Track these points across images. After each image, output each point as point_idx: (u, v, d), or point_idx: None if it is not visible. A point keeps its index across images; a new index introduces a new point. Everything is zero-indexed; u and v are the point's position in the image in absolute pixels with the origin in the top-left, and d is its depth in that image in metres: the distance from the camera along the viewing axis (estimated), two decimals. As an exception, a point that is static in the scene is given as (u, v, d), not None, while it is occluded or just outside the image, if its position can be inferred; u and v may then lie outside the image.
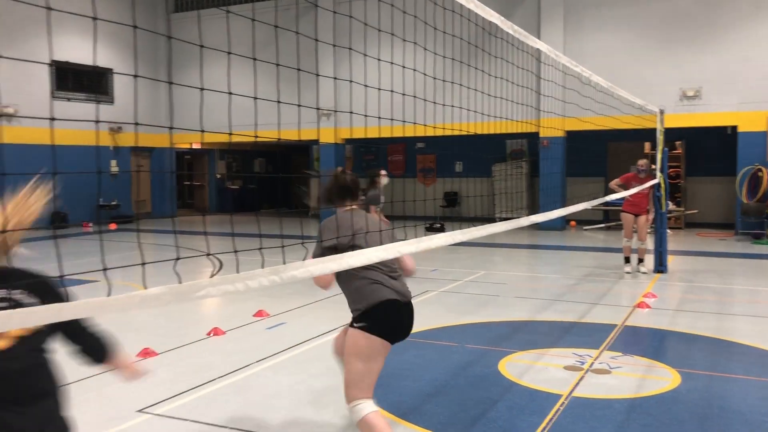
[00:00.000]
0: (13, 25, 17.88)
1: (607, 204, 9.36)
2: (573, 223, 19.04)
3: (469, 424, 4.45)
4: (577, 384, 5.22)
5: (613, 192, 10.04)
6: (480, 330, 7.07)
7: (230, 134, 2.21)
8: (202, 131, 2.30)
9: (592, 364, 5.76)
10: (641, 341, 6.78)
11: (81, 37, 19.61)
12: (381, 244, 3.15)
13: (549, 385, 5.18)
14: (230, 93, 2.23)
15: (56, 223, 18.68)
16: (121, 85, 21.29)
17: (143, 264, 1.94)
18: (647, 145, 17.87)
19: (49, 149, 17.34)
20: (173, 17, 23.33)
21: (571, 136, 17.92)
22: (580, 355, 6.02)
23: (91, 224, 19.61)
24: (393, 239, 3.64)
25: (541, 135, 17.81)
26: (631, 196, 9.97)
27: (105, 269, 1.78)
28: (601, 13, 17.53)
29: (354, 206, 3.81)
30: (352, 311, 3.64)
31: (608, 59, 16.86)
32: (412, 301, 3.82)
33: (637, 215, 10.52)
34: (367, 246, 3.14)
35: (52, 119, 1.85)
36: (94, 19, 1.67)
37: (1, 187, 2.09)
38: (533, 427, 4.36)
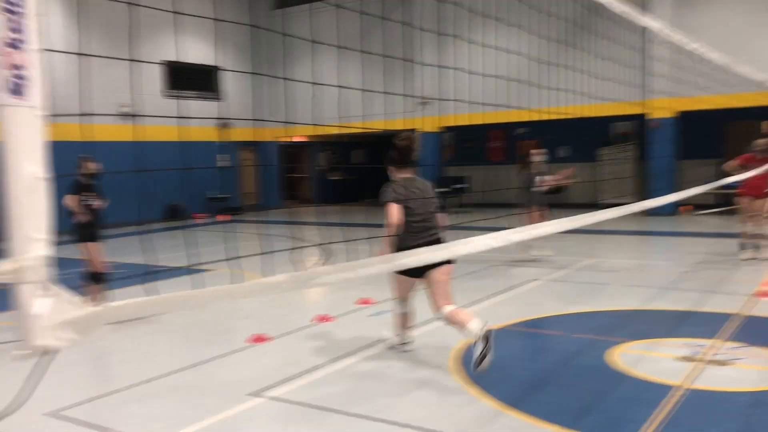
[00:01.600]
0: (127, 28, 18.90)
1: (722, 187, 8.85)
2: (689, 207, 18.13)
3: (578, 414, 4.36)
4: (693, 375, 5.00)
5: (730, 174, 9.50)
6: (588, 319, 6.90)
7: (338, 126, 2.26)
8: (310, 124, 2.35)
9: (710, 354, 5.49)
10: (763, 331, 6.39)
11: (191, 38, 20.53)
12: (426, 208, 5.31)
13: (663, 376, 4.98)
14: (339, 86, 2.28)
15: (170, 215, 19.74)
16: (228, 83, 22.14)
17: (262, 254, 2.02)
18: (765, 124, 16.76)
19: (160, 146, 18.29)
20: (275, 14, 23.97)
21: (683, 116, 17.05)
22: (696, 346, 5.75)
23: (201, 216, 20.57)
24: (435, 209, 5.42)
25: (649, 116, 17.07)
26: (749, 178, 9.40)
27: (228, 259, 1.86)
28: (714, -15, 16.54)
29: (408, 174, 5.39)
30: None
31: (722, 33, 15.87)
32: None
33: (756, 198, 9.91)
34: (417, 209, 5.25)
35: (177, 117, 1.96)
36: (215, 20, 1.74)
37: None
38: (648, 419, 4.21)
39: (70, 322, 1.35)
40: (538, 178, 10.15)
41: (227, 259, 2.10)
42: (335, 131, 21.92)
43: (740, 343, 5.78)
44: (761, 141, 9.90)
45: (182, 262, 9.62)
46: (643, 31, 5.97)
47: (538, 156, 10.40)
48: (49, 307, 1.33)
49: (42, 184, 1.33)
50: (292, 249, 2.74)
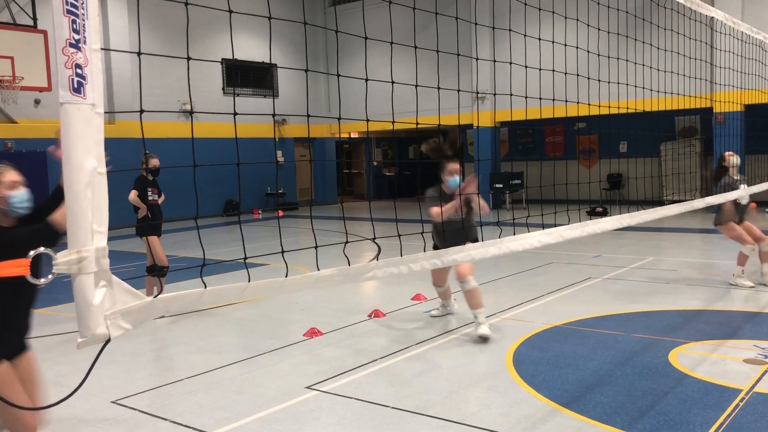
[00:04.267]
0: (185, 26, 19.39)
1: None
2: (753, 204, 17.48)
3: (636, 415, 4.26)
4: (760, 378, 4.81)
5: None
6: (648, 319, 6.72)
7: (393, 122, 2.26)
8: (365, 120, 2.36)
9: (777, 357, 5.28)
10: (836, 335, 6.11)
11: (248, 36, 20.90)
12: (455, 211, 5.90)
13: (727, 379, 4.82)
14: (393, 82, 2.28)
15: (229, 210, 20.15)
16: (284, 80, 22.44)
17: (316, 247, 2.04)
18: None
19: (220, 142, 18.69)
20: (329, 11, 24.18)
21: (751, 110, 16.42)
22: (763, 348, 5.54)
23: (260, 211, 20.93)
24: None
25: (715, 110, 16.49)
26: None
27: (282, 252, 1.89)
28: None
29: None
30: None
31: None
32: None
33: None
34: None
35: (234, 114, 1.99)
36: (269, 18, 1.77)
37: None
38: (709, 422, 4.09)
39: (127, 311, 1.40)
40: (741, 187, 7.66)
41: (277, 252, 2.14)
42: (390, 127, 21.94)
43: (810, 346, 5.54)
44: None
45: (239, 256, 9.81)
46: (711, 21, 5.76)
47: (732, 158, 8.02)
48: (107, 297, 1.37)
49: (101, 179, 1.37)
50: (345, 243, 2.74)
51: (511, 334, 6.25)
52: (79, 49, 1.34)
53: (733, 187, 7.51)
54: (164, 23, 18.34)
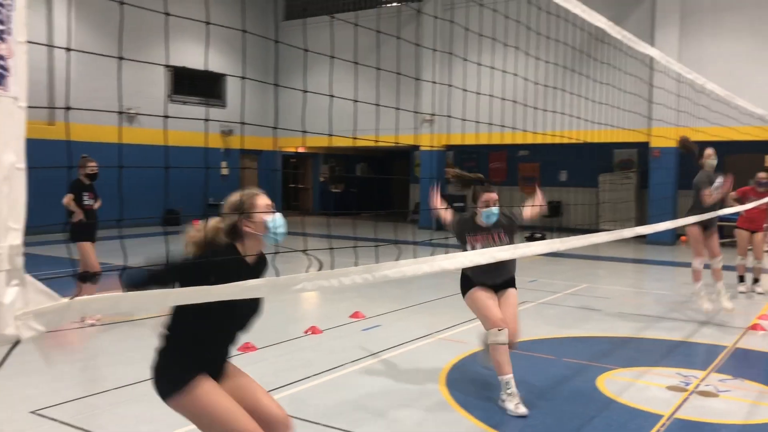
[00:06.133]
0: (137, 32, 19.02)
1: (721, 219, 8.83)
2: (684, 237, 18.14)
3: (563, 438, 4.33)
4: (681, 405, 4.97)
5: (728, 206, 9.50)
6: (579, 344, 6.87)
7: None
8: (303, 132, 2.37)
9: (698, 385, 5.46)
10: (754, 365, 6.37)
11: (197, 44, 20.66)
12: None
13: (650, 405, 4.96)
14: (331, 96, 2.29)
15: (168, 220, 19.75)
16: (233, 90, 22.26)
17: (243, 257, 2.02)
18: (768, 158, 16.80)
19: (163, 150, 18.37)
20: (284, 25, 24.19)
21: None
22: (686, 376, 5.72)
23: (200, 222, 20.56)
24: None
25: (652, 145, 17.11)
26: (746, 211, 9.40)
27: (209, 259, 1.86)
28: (720, 18, 16.62)
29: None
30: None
31: (728, 66, 15.97)
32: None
33: (753, 232, 9.91)
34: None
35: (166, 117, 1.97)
36: (207, 23, 1.76)
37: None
38: (631, 446, 4.19)
39: (41, 312, 1.36)
40: (714, 186, 7.79)
41: (202, 260, 2.10)
42: (339, 143, 21.97)
43: (730, 376, 5.75)
44: (762, 174, 9.90)
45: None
46: (651, 61, 6.00)
47: (712, 157, 8.11)
48: (19, 296, 1.33)
49: (20, 174, 1.33)
50: (275, 253, 2.70)
51: (445, 354, 6.29)
52: (2, 40, 1.30)
53: (710, 181, 7.77)
54: (113, 26, 17.98)
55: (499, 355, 4.79)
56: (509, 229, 5.07)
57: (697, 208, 7.88)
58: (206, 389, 2.68)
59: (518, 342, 5.11)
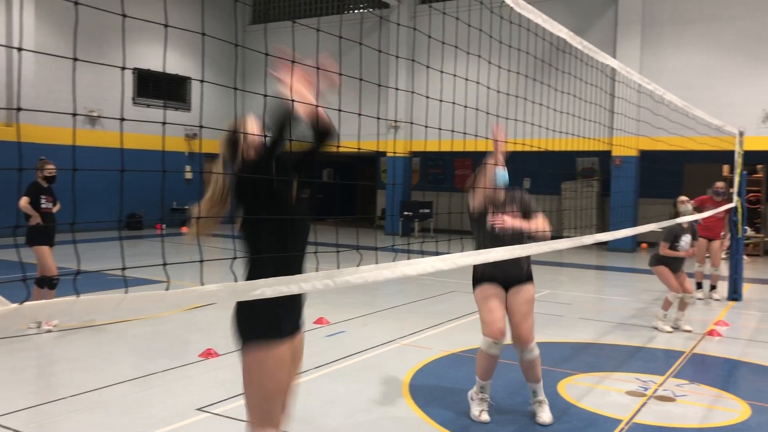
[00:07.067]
0: (100, 34, 18.72)
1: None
2: (644, 245, 18.49)
3: (524, 443, 4.37)
4: (639, 410, 5.06)
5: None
6: (540, 349, 6.91)
7: (290, 141, 2.26)
8: (264, 137, 2.35)
9: (656, 390, 5.57)
10: (710, 370, 6.52)
11: (162, 47, 20.41)
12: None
13: (609, 410, 5.03)
14: (292, 100, 2.29)
15: (131, 224, 19.44)
16: (197, 93, 22.02)
17: (201, 261, 2.00)
18: (725, 168, 17.23)
19: (127, 153, 18.08)
20: (249, 29, 24.07)
21: (645, 155, 17.45)
22: (644, 381, 5.83)
23: (163, 226, 20.28)
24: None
25: (613, 153, 17.42)
26: (704, 219, 9.62)
27: (164, 264, 1.85)
28: (680, 31, 17.02)
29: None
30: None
31: (687, 78, 16.36)
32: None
33: (710, 240, 10.14)
34: None
35: (123, 119, 1.94)
36: (166, 26, 1.75)
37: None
38: (590, 451, 4.24)
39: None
40: (679, 245, 7.88)
41: (158, 265, 2.07)
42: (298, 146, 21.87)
43: (687, 381, 5.87)
44: (719, 184, 10.16)
45: (138, 271, 9.47)
46: (612, 72, 6.11)
47: (687, 204, 8.41)
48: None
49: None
50: (233, 258, 2.67)
51: (409, 360, 6.30)
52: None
53: (675, 237, 7.76)
54: (73, 27, 17.67)
55: (486, 362, 4.71)
56: (524, 210, 4.97)
57: (658, 255, 7.96)
58: (281, 354, 2.72)
59: (533, 343, 4.82)
